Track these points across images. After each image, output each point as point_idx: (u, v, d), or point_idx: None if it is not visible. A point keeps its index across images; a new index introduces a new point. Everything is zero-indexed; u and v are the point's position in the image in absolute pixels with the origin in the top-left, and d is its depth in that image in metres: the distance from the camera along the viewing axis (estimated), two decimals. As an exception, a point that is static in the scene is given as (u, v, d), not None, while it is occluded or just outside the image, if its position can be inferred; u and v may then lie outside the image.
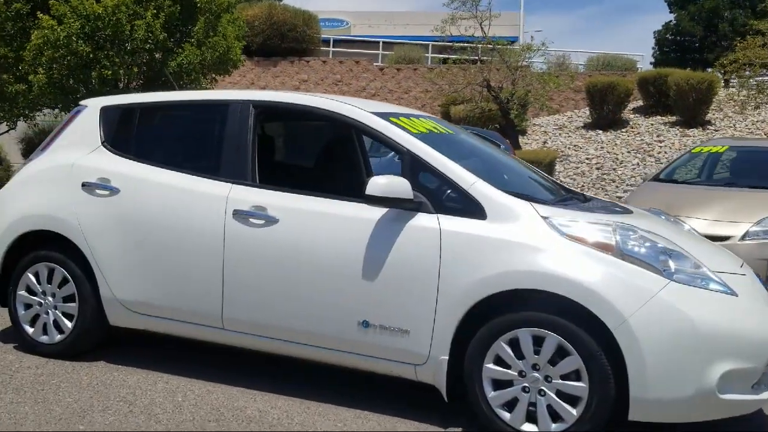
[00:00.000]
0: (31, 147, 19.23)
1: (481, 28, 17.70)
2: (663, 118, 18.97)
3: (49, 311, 4.45)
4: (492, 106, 17.00)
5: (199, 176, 4.11)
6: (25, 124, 18.69)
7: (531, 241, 3.35)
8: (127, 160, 4.34)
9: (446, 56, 25.15)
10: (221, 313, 3.98)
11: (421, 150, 3.70)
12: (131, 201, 4.21)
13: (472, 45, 17.52)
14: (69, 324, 4.39)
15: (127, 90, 13.07)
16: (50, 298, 4.45)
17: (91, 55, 12.47)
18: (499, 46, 16.93)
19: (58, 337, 4.42)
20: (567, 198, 4.08)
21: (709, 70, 22.20)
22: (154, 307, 4.17)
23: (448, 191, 3.62)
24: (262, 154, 4.15)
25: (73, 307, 4.38)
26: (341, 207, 3.75)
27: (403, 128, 3.85)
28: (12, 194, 4.62)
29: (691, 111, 17.82)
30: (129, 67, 12.80)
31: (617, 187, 15.36)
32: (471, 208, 3.52)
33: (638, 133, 18.26)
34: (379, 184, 3.51)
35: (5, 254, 4.55)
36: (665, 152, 16.78)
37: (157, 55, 13.32)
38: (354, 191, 3.78)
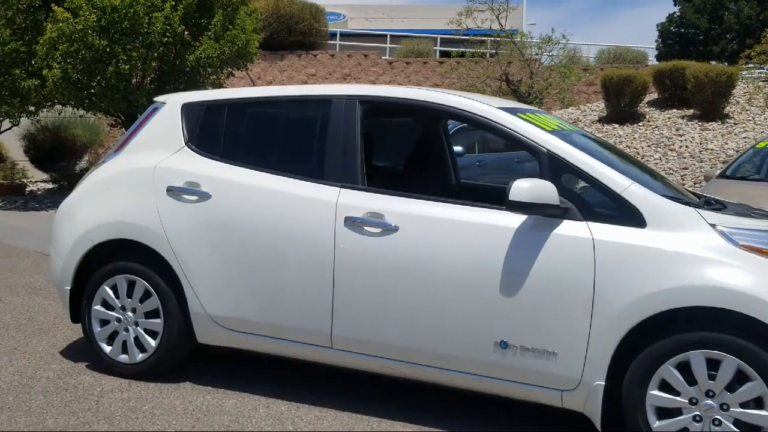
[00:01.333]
0: (33, 144, 18.69)
1: (498, 20, 17.32)
2: (680, 111, 18.67)
3: (129, 328, 4.06)
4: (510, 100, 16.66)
5: (300, 179, 3.74)
6: (28, 120, 18.24)
7: (706, 253, 3.00)
8: (217, 162, 3.96)
9: (457, 49, 24.81)
10: (330, 331, 3.61)
11: (562, 150, 3.34)
12: (224, 207, 3.82)
13: (491, 38, 17.11)
14: (152, 342, 4.00)
15: (141, 86, 12.61)
16: (130, 314, 4.06)
17: (107, 49, 12.01)
18: (518, 39, 16.53)
19: (140, 356, 4.04)
20: (708, 201, 3.73)
21: (725, 63, 21.89)
22: (251, 324, 3.79)
23: (598, 195, 3.26)
24: (370, 155, 3.77)
25: (156, 323, 3.99)
26: (470, 213, 3.39)
27: (536, 125, 3.48)
28: (85, 200, 4.22)
29: (709, 104, 17.54)
30: (147, 62, 12.33)
31: (644, 182, 15.02)
32: (626, 214, 3.16)
33: (656, 127, 17.96)
34: (523, 188, 3.15)
35: (78, 266, 4.14)
36: (687, 146, 16.48)
37: (172, 49, 12.83)
38: (477, 196, 3.42)
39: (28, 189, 15.82)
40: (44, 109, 14.16)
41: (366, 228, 3.51)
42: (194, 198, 3.89)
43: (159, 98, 4.36)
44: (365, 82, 22.20)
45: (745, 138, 16.93)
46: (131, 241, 4.02)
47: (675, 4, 34.90)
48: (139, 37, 12.22)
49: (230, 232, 3.79)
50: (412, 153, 4.58)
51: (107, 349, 4.12)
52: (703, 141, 16.41)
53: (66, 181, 15.43)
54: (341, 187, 3.64)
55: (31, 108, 13.90)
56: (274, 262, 3.70)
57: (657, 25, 34.50)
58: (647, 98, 19.42)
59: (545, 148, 3.36)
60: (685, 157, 15.69)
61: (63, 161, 19.05)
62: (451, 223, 3.38)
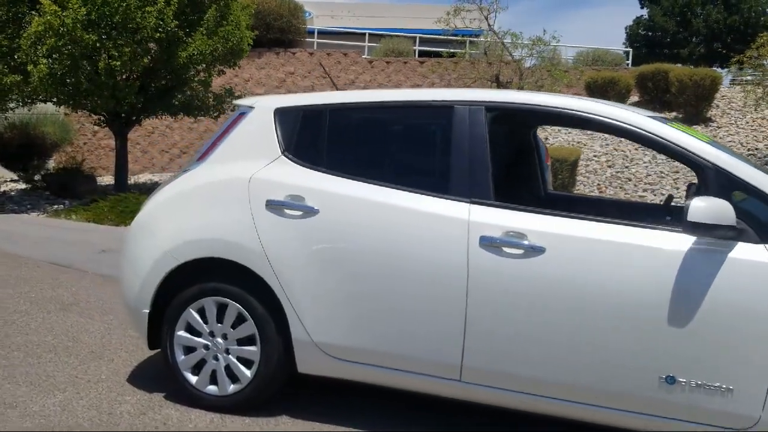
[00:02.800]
0: (1, 142, 17.82)
1: (486, 20, 17.12)
2: (662, 114, 18.74)
3: (219, 356, 3.67)
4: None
5: (421, 194, 3.40)
6: (-6, 117, 17.40)
7: None
8: (321, 173, 3.59)
9: (446, 50, 24.55)
10: (460, 363, 3.28)
11: (730, 164, 3.07)
12: (335, 223, 3.46)
13: (475, 38, 16.90)
14: (246, 372, 3.62)
15: (129, 82, 12.03)
16: (220, 340, 3.67)
17: (97, 44, 11.42)
18: (508, 40, 16.36)
19: (232, 387, 3.65)
20: None
21: (691, 66, 22.07)
22: (364, 353, 3.44)
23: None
24: (499, 167, 3.45)
25: (252, 351, 3.61)
26: (628, 234, 3.09)
27: (695, 137, 3.21)
28: (166, 213, 3.81)
29: (693, 107, 17.64)
30: (137, 58, 11.78)
31: (635, 185, 15.03)
32: (810, 238, 2.91)
33: (641, 129, 17.97)
34: (701, 208, 2.87)
35: (159, 286, 3.74)
36: (675, 149, 16.48)
37: (163, 45, 12.29)
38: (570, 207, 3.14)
39: (0, 189, 15.03)
40: (26, 107, 13.41)
41: (505, 249, 3.19)
42: (298, 213, 3.52)
43: (243, 102, 3.98)
44: (345, 81, 21.81)
45: (730, 142, 17.05)
46: (222, 260, 3.63)
47: (642, 7, 35.28)
48: (130, 32, 11.65)
49: (342, 251, 3.44)
50: (510, 162, 4.27)
51: (193, 379, 3.72)
52: (690, 144, 16.42)
53: (45, 182, 14.68)
54: (471, 202, 3.31)
55: (11, 105, 13.18)
56: (393, 286, 3.35)
57: (625, 28, 34.89)
58: (629, 101, 19.46)
59: (711, 162, 3.08)
60: (674, 161, 15.67)
61: (32, 160, 18.25)
62: (607, 245, 3.09)
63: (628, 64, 23.89)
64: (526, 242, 3.16)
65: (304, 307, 3.48)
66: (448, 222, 3.30)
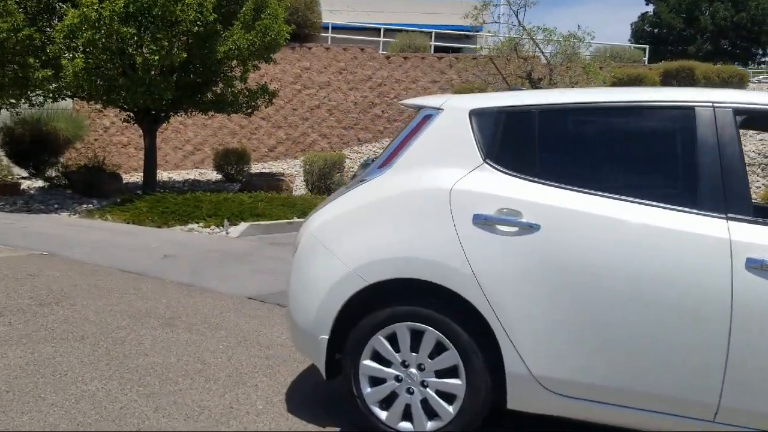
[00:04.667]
0: (11, 138, 17.24)
1: (516, 15, 16.77)
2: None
3: (414, 389, 3.26)
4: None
5: (662, 208, 3.00)
6: (6, 112, 16.84)
7: None
8: (535, 184, 3.18)
9: (454, 45, 24.19)
10: (717, 401, 2.89)
11: None
12: (560, 242, 3.05)
13: (496, 35, 16.53)
14: (448, 407, 3.22)
15: (162, 77, 11.55)
16: (415, 371, 3.26)
17: (135, 38, 10.93)
18: (542, 37, 16.01)
19: (431, 424, 3.25)
20: None
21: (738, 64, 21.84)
22: (594, 389, 3.05)
23: None
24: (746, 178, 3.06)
25: (455, 384, 3.20)
26: None
27: None
28: (348, 229, 3.39)
29: (721, 105, 17.37)
30: (176, 52, 11.30)
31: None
32: None
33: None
34: None
35: (341, 310, 3.32)
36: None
37: (200, 39, 11.83)
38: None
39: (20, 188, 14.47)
40: (55, 101, 12.88)
41: (776, 273, 2.80)
42: (514, 230, 3.11)
43: (427, 102, 3.56)
44: (361, 77, 21.42)
45: (759, 138, 16.80)
46: (419, 281, 3.21)
47: (647, 3, 35.07)
48: (169, 26, 11.17)
49: (571, 274, 3.03)
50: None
51: (382, 414, 3.31)
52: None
53: (69, 180, 14.14)
54: (728, 219, 2.92)
55: (40, 98, 12.66)
56: (636, 314, 2.95)
57: (631, 24, 34.67)
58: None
59: None
60: None
61: (43, 157, 17.69)
62: None
63: (645, 61, 23.64)
64: (800, 265, 2.77)
65: (523, 336, 3.07)
66: (702, 241, 2.90)
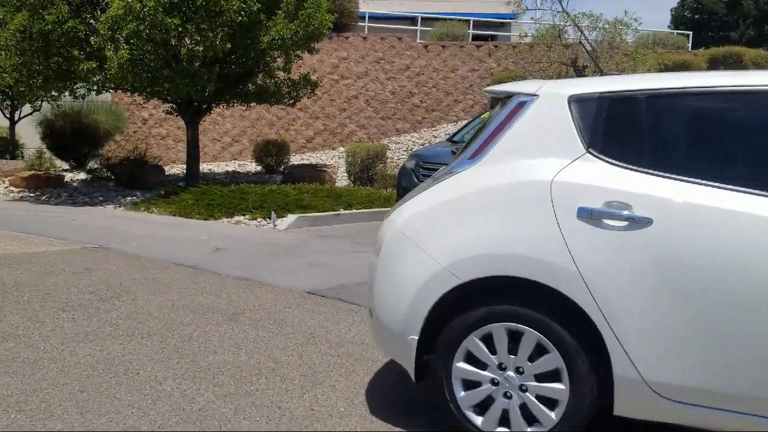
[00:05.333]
0: (52, 131, 17.32)
1: (560, 3, 16.40)
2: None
3: (513, 393, 3.08)
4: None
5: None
6: (48, 105, 16.91)
7: None
8: (645, 175, 2.96)
9: (492, 33, 23.86)
10: None
11: None
12: (675, 237, 2.84)
13: (559, 25, 16.19)
14: (550, 413, 3.03)
15: (205, 68, 11.41)
16: (513, 374, 3.07)
17: (179, 29, 10.82)
18: (587, 24, 15.64)
19: (530, 430, 3.04)
20: None
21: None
22: (710, 395, 2.83)
23: None
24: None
25: (557, 389, 3.01)
26: None
27: None
28: (439, 223, 3.21)
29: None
30: (221, 43, 11.18)
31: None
32: None
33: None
34: None
35: (432, 309, 3.14)
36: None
37: (244, 29, 11.68)
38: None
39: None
40: (99, 94, 12.86)
41: None
42: (623, 224, 2.90)
43: (519, 89, 3.36)
44: (399, 67, 21.21)
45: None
46: (517, 279, 3.01)
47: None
48: (213, 16, 11.04)
49: (686, 271, 2.81)
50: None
51: (477, 420, 3.13)
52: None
53: (112, 172, 14.13)
54: None
55: (84, 91, 12.64)
56: (762, 318, 2.72)
57: (671, 10, 33.96)
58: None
59: None
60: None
61: (83, 149, 17.76)
62: None
63: (688, 47, 23.11)
64: None
65: (634, 338, 2.87)
66: (834, 238, 2.67)
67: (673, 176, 2.91)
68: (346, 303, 5.54)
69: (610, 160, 3.02)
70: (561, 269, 2.93)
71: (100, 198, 12.54)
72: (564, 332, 2.98)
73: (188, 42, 11.17)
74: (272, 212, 9.91)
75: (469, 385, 3.15)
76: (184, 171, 15.34)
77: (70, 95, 12.64)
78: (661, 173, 2.93)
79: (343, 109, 20.71)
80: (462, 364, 3.14)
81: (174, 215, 10.56)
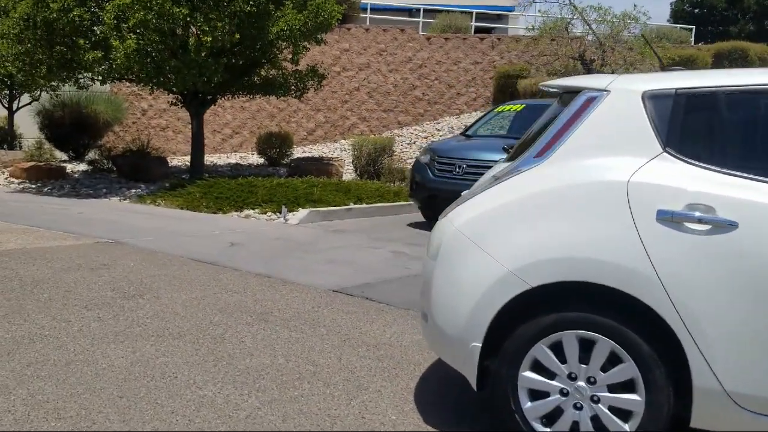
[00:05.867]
0: (51, 121, 17.08)
1: (569, -2, 16.24)
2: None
3: (584, 405, 2.93)
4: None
5: None
6: (46, 95, 16.67)
7: None
8: (729, 176, 2.81)
9: (495, 25, 23.76)
10: None
11: None
12: (762, 241, 2.68)
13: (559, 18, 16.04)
14: (624, 425, 2.88)
15: (212, 59, 11.19)
16: (584, 384, 2.92)
17: (187, 18, 10.61)
18: (595, 17, 15.50)
19: (601, 443, 2.90)
20: None
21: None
22: (792, 405, 2.68)
23: None
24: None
25: (632, 400, 2.87)
26: None
27: None
28: (504, 225, 3.06)
29: (777, 87, 16.77)
30: (229, 33, 10.96)
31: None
32: None
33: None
34: None
35: (497, 315, 2.98)
36: None
37: (252, 20, 11.47)
38: None
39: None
40: (104, 83, 12.63)
41: None
42: (706, 227, 2.75)
43: (588, 83, 3.20)
44: (402, 59, 21.02)
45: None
46: (590, 285, 2.86)
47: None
48: (221, 6, 10.83)
49: (776, 278, 2.66)
50: None
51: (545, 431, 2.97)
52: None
53: (115, 164, 13.90)
54: None
55: (88, 81, 12.40)
56: None
57: (670, 4, 33.79)
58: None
59: None
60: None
61: (82, 140, 17.52)
62: None
63: (691, 42, 23.01)
64: None
65: (715, 347, 2.73)
66: None
67: (757, 177, 2.76)
68: (375, 302, 5.38)
69: (689, 159, 2.87)
70: (639, 274, 2.78)
71: (104, 190, 12.33)
72: (640, 341, 2.83)
73: (196, 32, 10.95)
74: (283, 206, 9.73)
75: (537, 395, 3.00)
76: (187, 163, 15.15)
77: (74, 85, 12.38)
78: (744, 174, 2.79)
79: (344, 101, 20.51)
80: (529, 373, 2.99)
81: (182, 208, 10.37)
